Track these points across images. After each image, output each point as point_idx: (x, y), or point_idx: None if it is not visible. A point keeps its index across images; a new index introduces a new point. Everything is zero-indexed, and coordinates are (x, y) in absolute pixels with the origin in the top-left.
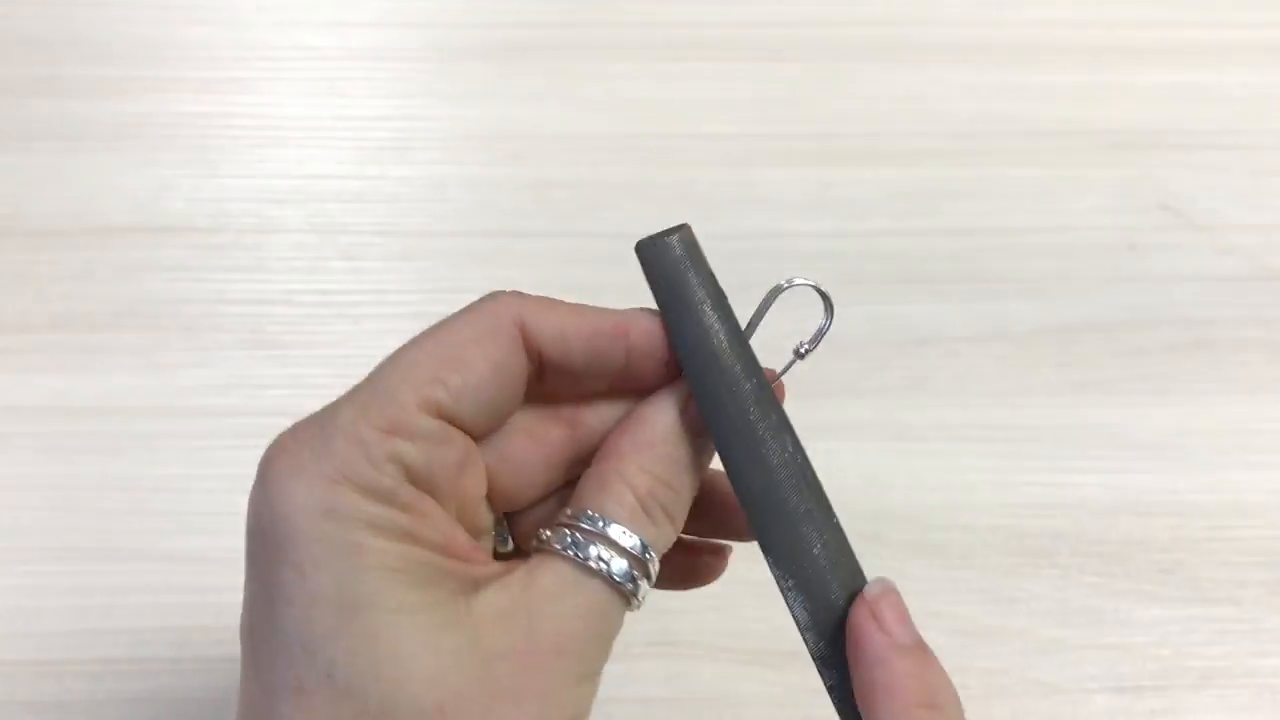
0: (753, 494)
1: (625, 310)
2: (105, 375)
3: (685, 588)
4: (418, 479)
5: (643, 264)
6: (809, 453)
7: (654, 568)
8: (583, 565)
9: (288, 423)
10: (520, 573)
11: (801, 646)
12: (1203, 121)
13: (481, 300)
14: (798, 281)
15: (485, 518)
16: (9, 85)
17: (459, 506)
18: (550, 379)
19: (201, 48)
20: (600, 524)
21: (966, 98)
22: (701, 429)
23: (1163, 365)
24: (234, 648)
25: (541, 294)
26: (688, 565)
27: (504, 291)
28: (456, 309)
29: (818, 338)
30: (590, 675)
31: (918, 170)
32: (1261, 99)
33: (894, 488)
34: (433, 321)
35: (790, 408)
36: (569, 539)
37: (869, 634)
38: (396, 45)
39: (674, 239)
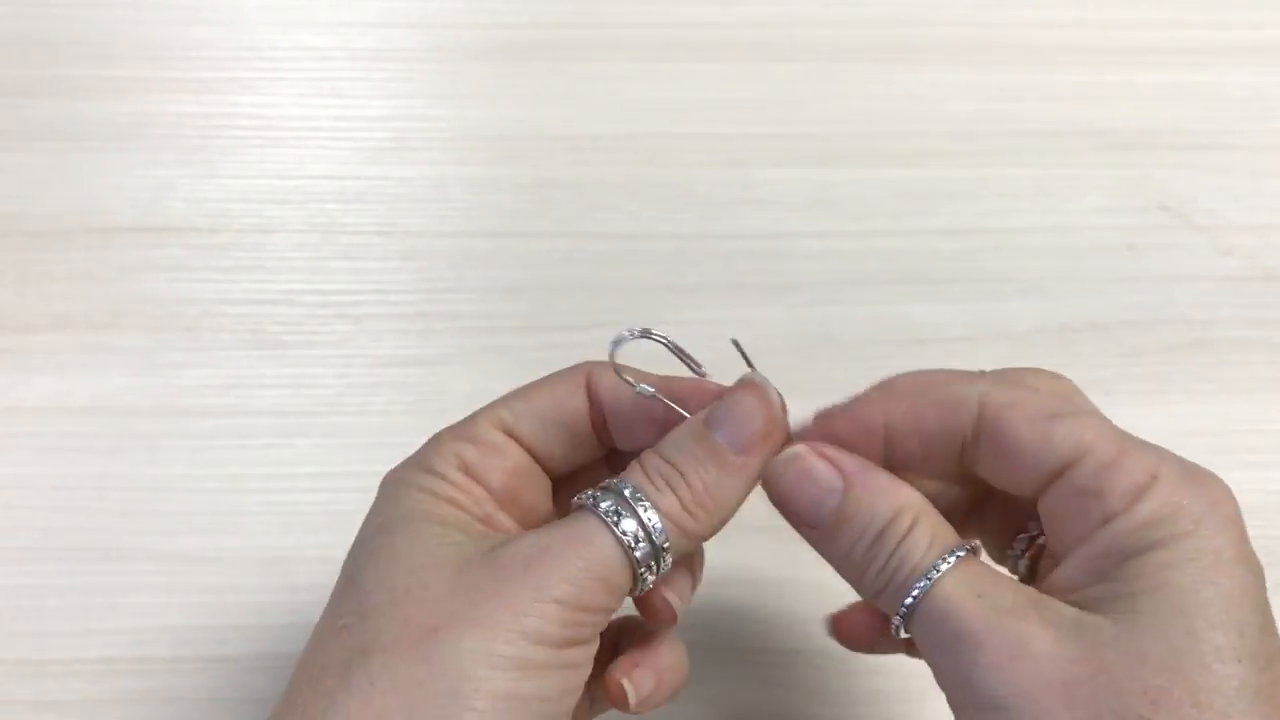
0: None
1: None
2: (105, 375)
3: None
4: (471, 471)
5: None
6: None
7: (648, 517)
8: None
9: (287, 422)
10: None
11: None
12: (1203, 121)
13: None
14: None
15: None
16: (9, 85)
17: (523, 509)
18: (613, 430)
19: (202, 48)
20: (608, 483)
21: (966, 98)
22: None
23: (1162, 365)
24: (234, 648)
25: (543, 295)
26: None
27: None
28: (455, 309)
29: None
30: (561, 600)
31: (917, 170)
32: (1261, 99)
33: None
34: (432, 321)
35: (791, 408)
36: (577, 497)
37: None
38: (396, 45)
39: None
